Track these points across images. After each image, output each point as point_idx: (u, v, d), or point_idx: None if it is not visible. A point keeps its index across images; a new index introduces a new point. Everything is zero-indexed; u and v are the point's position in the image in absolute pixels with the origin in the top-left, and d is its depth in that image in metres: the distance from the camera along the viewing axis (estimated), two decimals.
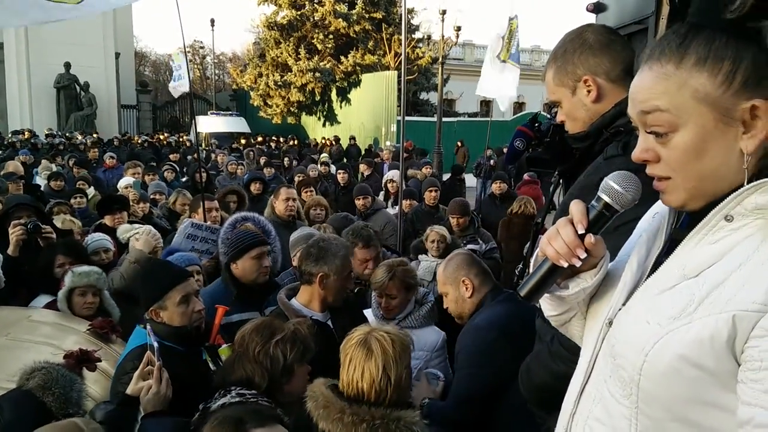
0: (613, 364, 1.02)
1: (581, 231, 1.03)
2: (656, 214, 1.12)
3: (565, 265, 1.03)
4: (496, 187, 7.25)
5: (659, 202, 1.11)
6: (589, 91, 1.61)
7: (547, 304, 1.17)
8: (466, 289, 2.61)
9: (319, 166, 10.39)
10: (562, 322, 1.21)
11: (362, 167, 10.59)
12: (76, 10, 3.93)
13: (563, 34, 1.71)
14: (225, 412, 1.71)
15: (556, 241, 1.04)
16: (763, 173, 0.91)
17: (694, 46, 0.92)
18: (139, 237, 3.95)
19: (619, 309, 1.05)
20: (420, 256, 4.65)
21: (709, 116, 0.92)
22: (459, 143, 18.75)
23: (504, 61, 8.57)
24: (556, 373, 1.44)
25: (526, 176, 9.35)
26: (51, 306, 3.25)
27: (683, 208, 1.02)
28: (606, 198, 1.04)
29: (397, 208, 5.44)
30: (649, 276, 1.04)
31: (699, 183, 0.95)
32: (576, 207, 1.05)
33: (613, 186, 1.03)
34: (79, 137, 19.26)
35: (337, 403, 1.76)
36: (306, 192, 6.64)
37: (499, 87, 8.97)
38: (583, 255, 1.02)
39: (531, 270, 1.10)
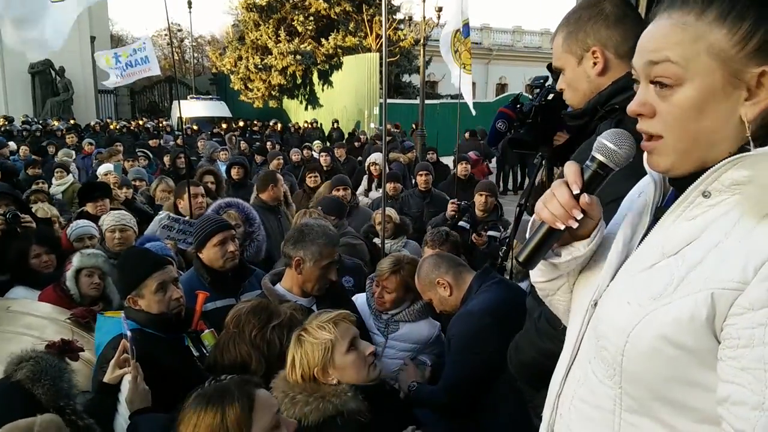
0: (597, 345, 1.01)
1: (576, 191, 0.99)
2: (642, 194, 1.11)
3: (562, 227, 1.00)
4: (461, 169, 7.08)
5: (645, 181, 1.09)
6: (595, 63, 1.58)
7: (537, 270, 1.14)
8: (444, 288, 2.59)
9: (302, 150, 10.27)
10: (548, 291, 1.19)
11: (337, 151, 10.19)
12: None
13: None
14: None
15: (552, 204, 1.00)
16: (760, 142, 0.89)
17: (718, 0, 0.90)
18: (107, 217, 3.96)
19: (604, 290, 1.04)
20: (375, 240, 4.58)
21: (717, 74, 0.89)
22: (414, 125, 17.56)
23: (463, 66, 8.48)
24: (544, 351, 1.44)
25: (471, 154, 8.99)
26: (52, 292, 3.21)
27: (668, 173, 1.00)
28: (600, 157, 1.01)
29: (381, 191, 5.41)
30: None
31: (690, 145, 0.93)
32: (570, 168, 1.01)
33: (606, 144, 1.01)
34: (56, 123, 18.88)
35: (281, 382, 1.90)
36: (310, 177, 6.54)
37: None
38: (580, 216, 0.99)
39: (528, 235, 1.07)
